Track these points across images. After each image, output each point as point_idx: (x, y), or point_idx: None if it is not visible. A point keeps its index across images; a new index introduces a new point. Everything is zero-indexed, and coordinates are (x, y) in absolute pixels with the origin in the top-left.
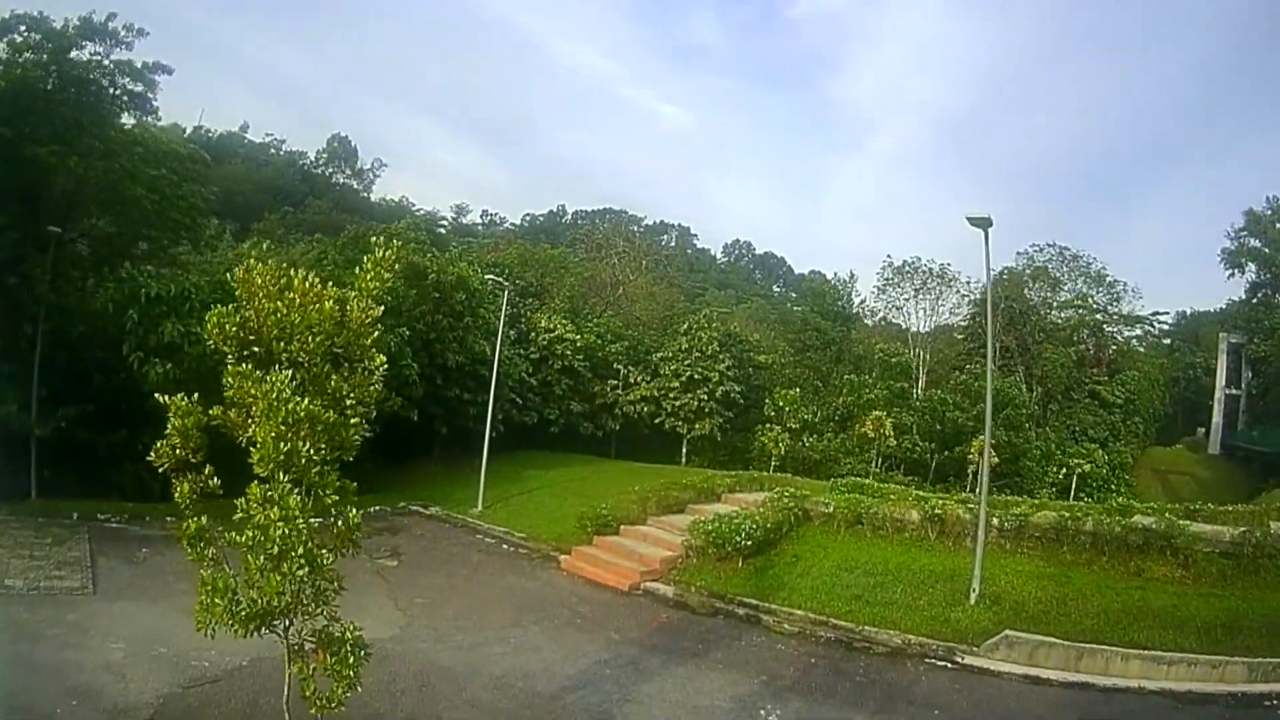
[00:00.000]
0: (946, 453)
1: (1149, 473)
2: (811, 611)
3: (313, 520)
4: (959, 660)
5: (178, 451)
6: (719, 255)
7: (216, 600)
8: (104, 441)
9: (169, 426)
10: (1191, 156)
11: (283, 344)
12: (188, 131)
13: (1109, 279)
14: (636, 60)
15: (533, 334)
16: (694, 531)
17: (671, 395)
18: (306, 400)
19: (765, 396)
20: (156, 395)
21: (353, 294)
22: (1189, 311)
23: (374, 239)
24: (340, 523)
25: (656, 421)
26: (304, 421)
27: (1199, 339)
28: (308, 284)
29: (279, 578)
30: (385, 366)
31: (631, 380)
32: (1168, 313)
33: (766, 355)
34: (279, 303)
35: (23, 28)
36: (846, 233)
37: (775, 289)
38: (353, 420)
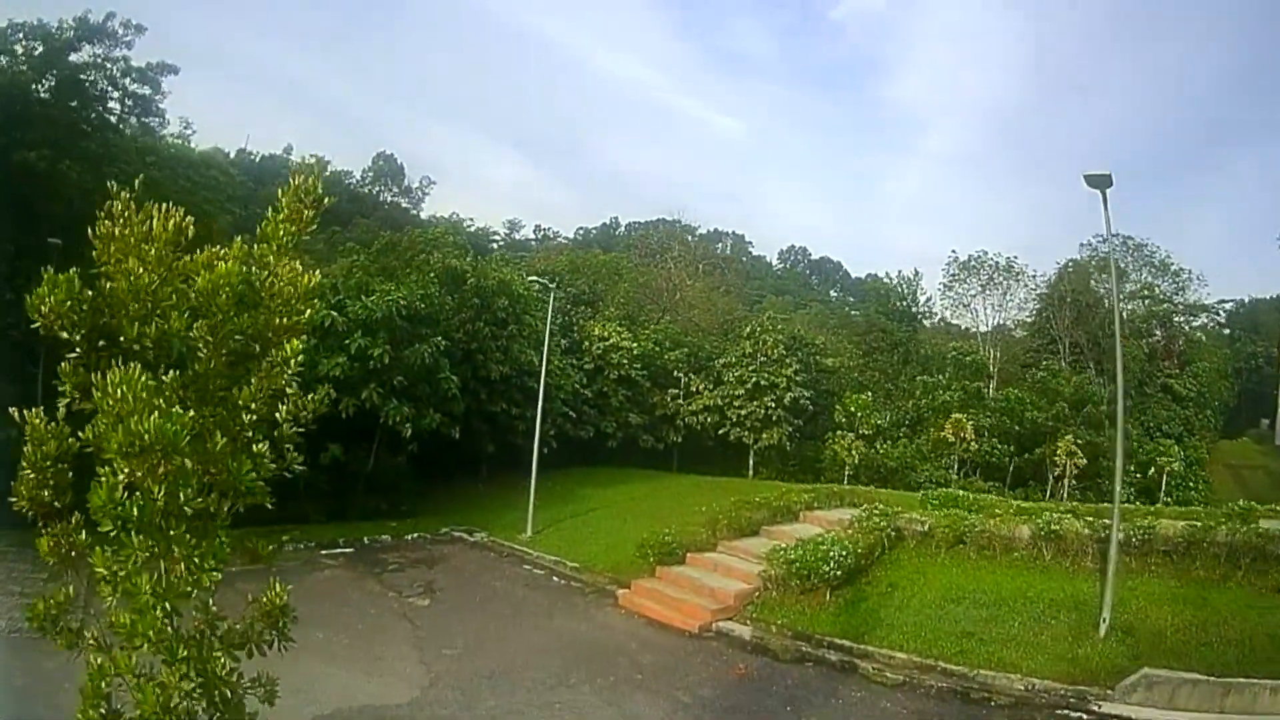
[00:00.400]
0: (1026, 455)
1: (1221, 468)
2: (916, 654)
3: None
4: (1095, 709)
5: (40, 493)
6: (775, 262)
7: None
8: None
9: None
10: (1246, 139)
11: (146, 327)
12: (231, 155)
13: (1173, 267)
14: (683, 70)
15: (586, 343)
16: (773, 560)
17: (736, 403)
18: (188, 414)
19: (835, 402)
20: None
21: (268, 250)
22: (1246, 299)
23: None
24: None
25: (721, 432)
26: (162, 449)
27: (1258, 327)
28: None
29: (156, 691)
30: (301, 358)
31: (693, 389)
32: (1229, 301)
33: (834, 359)
34: (136, 261)
35: (21, 36)
36: (901, 234)
37: (832, 294)
38: (257, 447)
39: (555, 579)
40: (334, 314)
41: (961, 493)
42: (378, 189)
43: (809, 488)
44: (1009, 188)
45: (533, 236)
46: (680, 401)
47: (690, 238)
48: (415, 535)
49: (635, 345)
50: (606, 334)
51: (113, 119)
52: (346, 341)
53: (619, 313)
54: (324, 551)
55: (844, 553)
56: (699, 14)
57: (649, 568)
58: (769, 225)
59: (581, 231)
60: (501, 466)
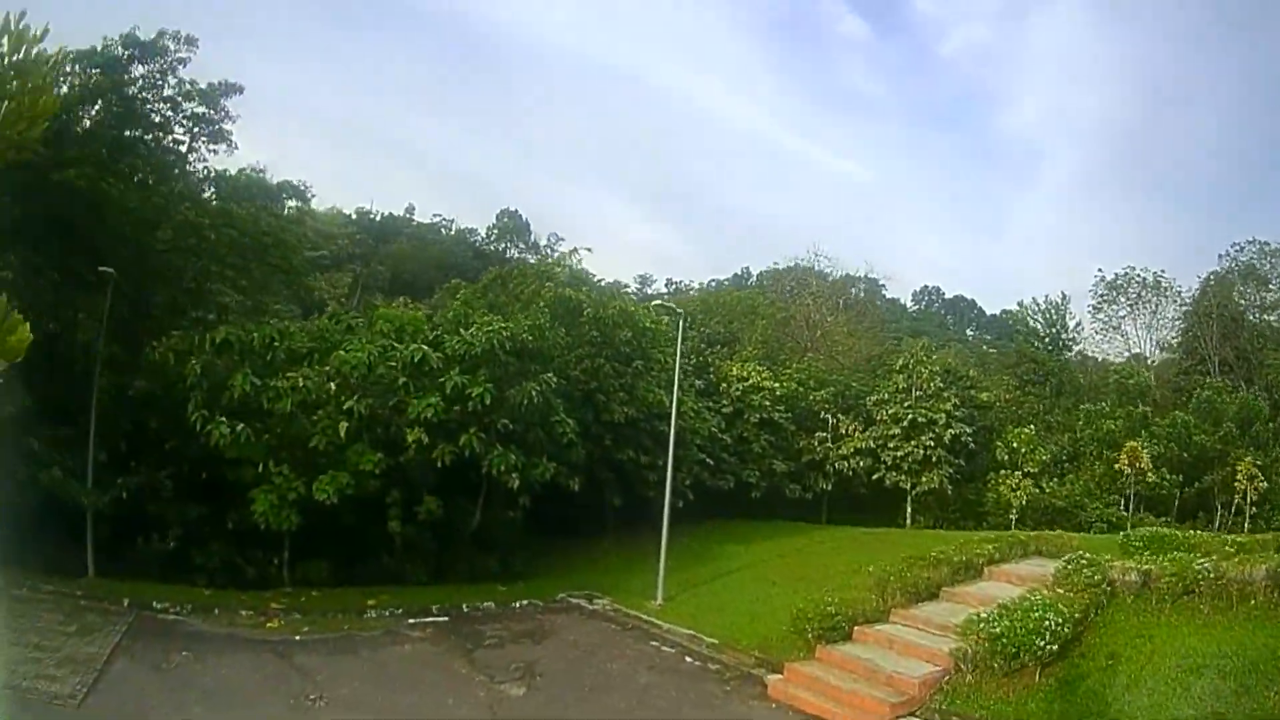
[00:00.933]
0: (1196, 484)
1: None
2: None
3: None
4: None
5: None
6: (908, 303)
7: None
8: (181, 517)
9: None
10: None
11: None
12: (353, 216)
13: None
14: (800, 115)
15: (723, 385)
16: (969, 633)
17: (891, 444)
18: None
19: (993, 439)
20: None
21: None
22: None
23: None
24: None
25: (875, 477)
26: None
27: None
28: None
29: None
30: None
31: (843, 431)
32: None
33: (987, 393)
34: None
35: (73, 66)
36: (1030, 265)
37: (969, 333)
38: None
39: (688, 659)
40: (425, 349)
41: (1169, 530)
42: (503, 245)
43: (990, 536)
44: (1130, 206)
45: (665, 290)
46: (829, 445)
47: (812, 298)
48: (525, 602)
49: (778, 385)
50: (746, 374)
51: (164, 135)
52: (441, 380)
53: (757, 352)
54: (411, 620)
55: (1060, 620)
56: (810, 58)
57: (806, 646)
58: (899, 266)
59: (714, 283)
60: (630, 522)
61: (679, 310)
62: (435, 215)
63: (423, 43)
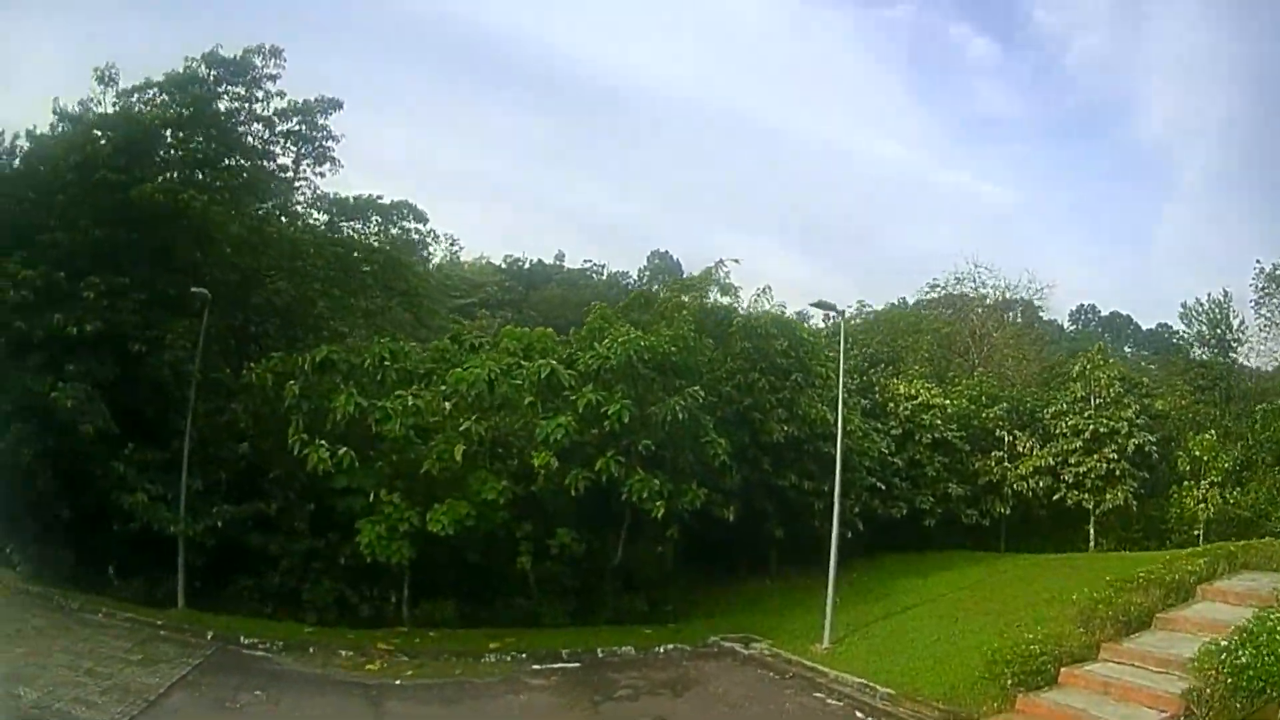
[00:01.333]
0: None
1: None
2: None
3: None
4: None
5: None
6: (1065, 324)
7: None
8: (287, 550)
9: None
10: None
11: None
12: (502, 265)
13: None
14: (940, 142)
15: (890, 405)
16: (1206, 666)
17: (1072, 460)
18: None
19: (1173, 450)
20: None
21: None
22: None
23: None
24: None
25: (1056, 497)
26: None
27: None
28: None
29: None
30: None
31: (1020, 449)
32: None
33: (1162, 401)
34: None
35: (157, 96)
36: (1180, 274)
37: (1126, 349)
38: None
39: (859, 714)
40: (554, 364)
41: None
42: (655, 286)
43: (1198, 551)
44: (1271, 203)
45: (822, 326)
46: (1006, 464)
47: (979, 310)
48: (670, 646)
49: (948, 403)
50: (914, 391)
51: (260, 158)
52: (574, 398)
53: (924, 370)
54: (536, 665)
55: None
56: (941, 86)
57: (1002, 695)
58: (1052, 285)
59: (870, 312)
60: (792, 555)
61: (840, 308)
62: (586, 261)
63: (563, 102)
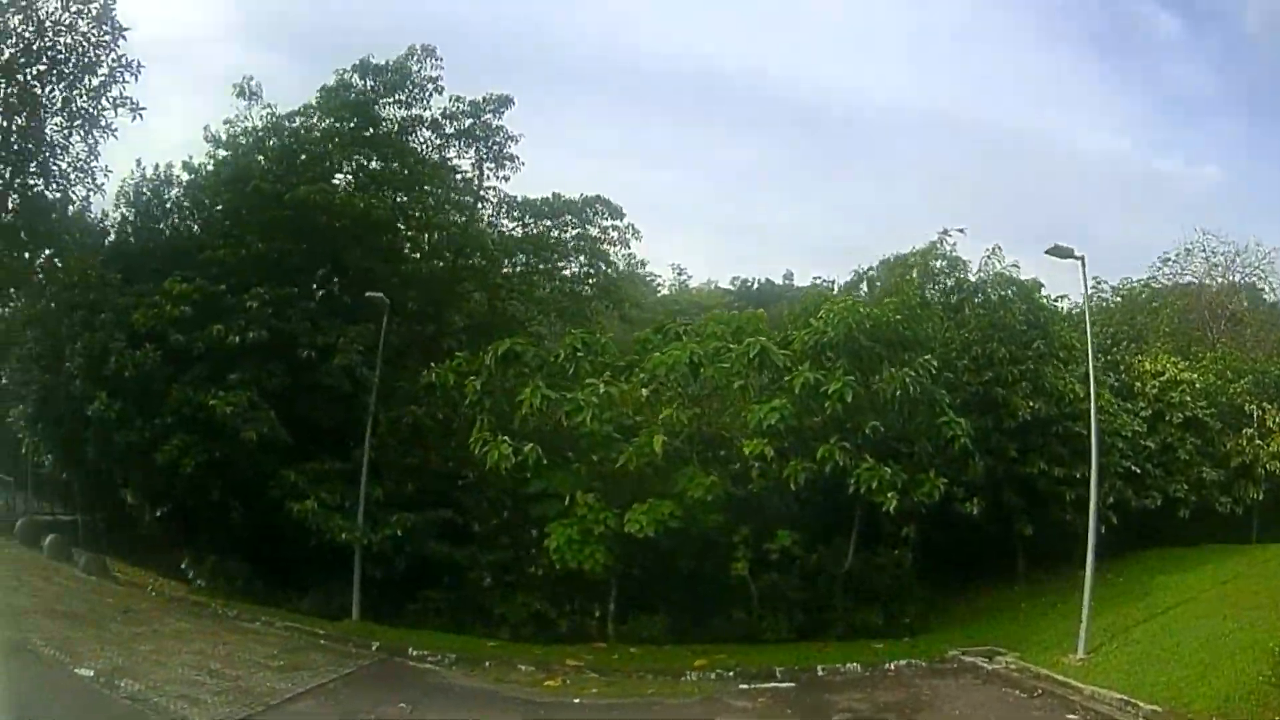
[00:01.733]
0: None
1: None
2: None
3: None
4: None
5: None
6: None
7: None
8: (476, 560)
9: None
10: None
11: None
12: (730, 288)
13: None
14: (1145, 128)
15: (1137, 383)
16: None
17: None
18: None
19: None
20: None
21: None
22: None
23: None
24: None
25: None
26: None
27: None
28: None
29: None
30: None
31: (1270, 424)
32: None
33: None
34: None
35: (316, 114)
36: None
37: None
38: None
39: None
40: (764, 341)
41: None
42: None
43: None
44: None
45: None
46: (1258, 443)
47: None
48: (902, 662)
49: (1195, 377)
50: (1161, 368)
51: (425, 164)
52: (788, 379)
53: (1168, 345)
54: (744, 685)
55: None
56: (1133, 69)
57: None
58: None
59: (1103, 300)
60: (1038, 555)
61: (1078, 252)
62: (816, 278)
63: (780, 125)
